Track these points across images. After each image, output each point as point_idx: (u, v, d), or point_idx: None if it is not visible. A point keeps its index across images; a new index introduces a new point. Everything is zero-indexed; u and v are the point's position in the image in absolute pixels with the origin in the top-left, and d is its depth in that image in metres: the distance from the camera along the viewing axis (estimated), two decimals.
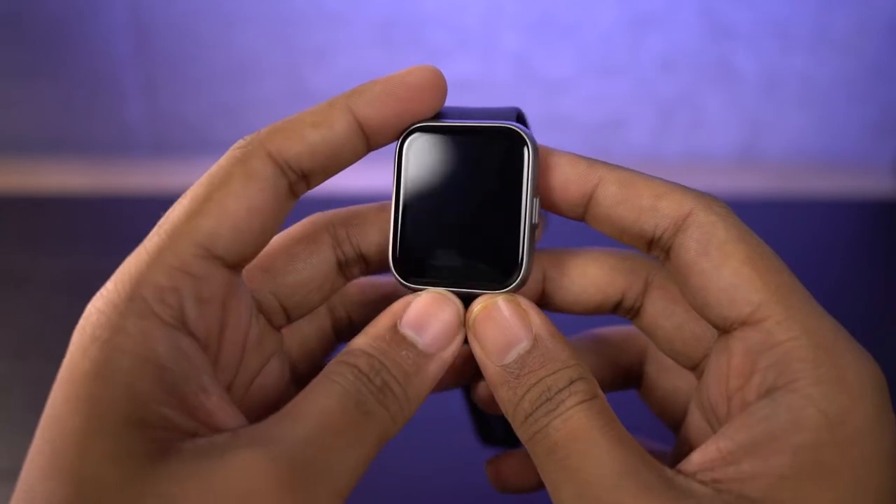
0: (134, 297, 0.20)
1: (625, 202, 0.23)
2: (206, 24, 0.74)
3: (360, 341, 0.22)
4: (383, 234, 0.26)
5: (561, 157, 0.24)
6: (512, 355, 0.22)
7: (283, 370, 0.26)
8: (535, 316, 0.23)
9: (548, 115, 0.78)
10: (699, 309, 0.23)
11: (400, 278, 0.24)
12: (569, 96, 0.77)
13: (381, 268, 0.26)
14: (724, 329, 0.22)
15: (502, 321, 0.23)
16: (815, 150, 0.79)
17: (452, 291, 0.23)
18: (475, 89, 0.76)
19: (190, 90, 0.77)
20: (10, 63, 0.76)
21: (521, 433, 0.22)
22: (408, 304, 0.23)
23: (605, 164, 0.24)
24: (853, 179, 0.76)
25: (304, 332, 0.27)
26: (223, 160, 0.22)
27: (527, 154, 0.23)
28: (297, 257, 0.25)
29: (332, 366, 0.22)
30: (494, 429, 0.33)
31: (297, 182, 0.23)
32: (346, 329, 0.29)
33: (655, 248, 0.23)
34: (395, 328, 0.23)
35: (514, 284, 0.23)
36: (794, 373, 0.20)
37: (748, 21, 0.74)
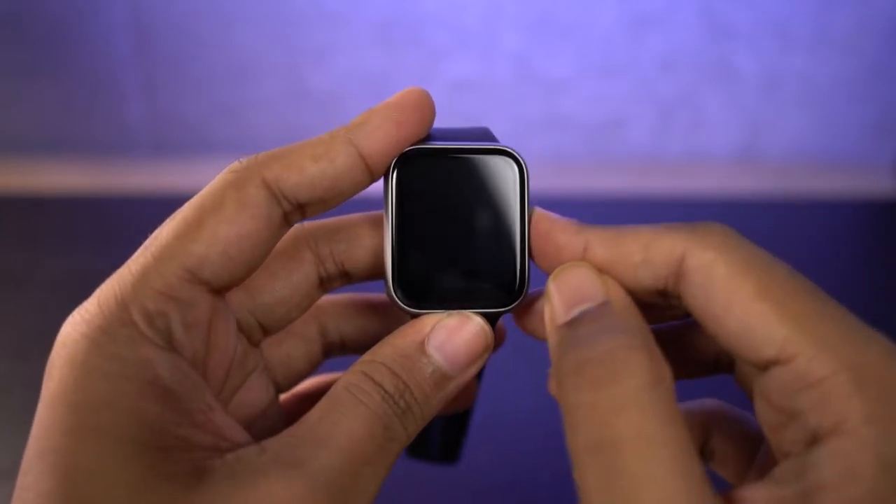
0: (125, 323, 0.20)
1: (616, 263, 0.21)
2: (206, 24, 0.75)
3: (385, 354, 0.22)
4: (369, 251, 0.25)
5: (554, 223, 0.23)
6: (575, 312, 0.20)
7: (267, 386, 0.26)
8: (614, 283, 0.21)
9: (548, 115, 0.78)
10: (728, 353, 0.21)
11: (401, 303, 0.23)
12: (569, 96, 0.77)
13: (365, 281, 0.26)
14: (760, 369, 0.20)
15: (580, 276, 0.21)
16: (815, 150, 0.79)
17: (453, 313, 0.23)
18: (475, 89, 0.76)
19: (190, 90, 0.77)
20: (10, 63, 0.76)
21: (563, 400, 0.19)
22: (435, 324, 0.23)
23: (593, 228, 0.22)
24: (853, 179, 0.76)
25: (292, 356, 0.27)
26: (217, 183, 0.22)
27: (520, 173, 0.23)
28: (277, 276, 0.25)
29: (354, 379, 0.21)
30: (431, 441, 0.32)
31: (293, 212, 0.22)
32: (338, 350, 0.28)
33: (671, 298, 0.21)
34: (421, 347, 0.22)
35: (517, 303, 0.23)
36: (839, 413, 0.17)
37: (748, 21, 0.74)
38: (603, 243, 0.21)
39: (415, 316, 0.23)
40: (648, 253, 0.20)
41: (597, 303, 0.20)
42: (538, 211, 0.23)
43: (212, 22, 0.74)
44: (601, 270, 0.21)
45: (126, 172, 0.76)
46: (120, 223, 0.66)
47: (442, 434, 0.31)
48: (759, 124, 0.78)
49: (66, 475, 0.18)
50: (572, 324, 0.20)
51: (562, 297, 0.21)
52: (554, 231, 0.22)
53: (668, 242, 0.20)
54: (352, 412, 0.20)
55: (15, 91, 0.77)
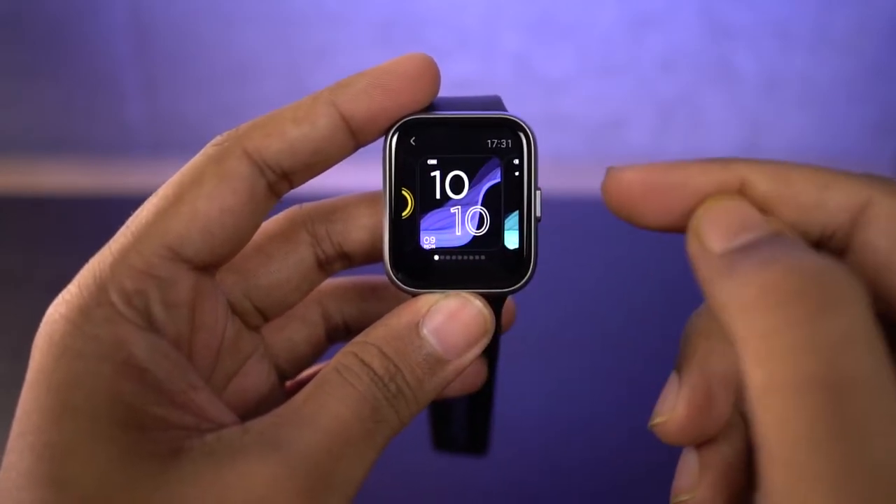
0: (102, 303, 0.20)
1: (781, 202, 0.18)
2: (206, 24, 0.74)
3: (378, 335, 0.21)
4: (367, 230, 0.24)
5: (688, 167, 0.19)
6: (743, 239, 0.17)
7: (268, 371, 0.25)
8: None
9: (548, 115, 0.78)
10: None
11: (400, 283, 0.22)
12: (569, 96, 0.77)
13: (366, 263, 0.25)
14: None
15: (738, 206, 0.18)
16: (815, 150, 0.79)
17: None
18: (475, 89, 0.75)
19: (190, 90, 0.77)
20: (10, 63, 0.76)
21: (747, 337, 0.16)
22: (431, 305, 0.22)
23: (744, 160, 0.19)
24: None
25: (294, 340, 0.26)
26: (197, 158, 0.21)
27: (527, 145, 0.22)
28: (273, 257, 0.24)
29: (343, 360, 0.21)
30: (456, 432, 0.31)
31: (278, 181, 0.21)
32: (342, 335, 0.27)
33: (825, 250, 0.19)
34: (415, 329, 0.21)
35: (522, 282, 0.22)
36: None
37: (748, 21, 0.74)
38: (766, 179, 0.18)
39: (414, 296, 0.22)
40: (826, 194, 0.18)
41: (768, 232, 0.17)
42: (619, 168, 0.20)
43: (212, 22, 0.74)
44: (765, 209, 0.19)
45: (126, 172, 0.76)
46: (120, 223, 0.66)
47: (467, 424, 0.30)
48: (759, 124, 0.78)
49: (42, 454, 0.18)
50: (740, 250, 0.17)
51: (718, 225, 0.18)
52: (693, 175, 0.19)
53: (850, 186, 0.18)
54: (338, 393, 0.20)
55: (15, 91, 0.77)
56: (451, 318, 0.22)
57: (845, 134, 0.79)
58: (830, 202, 0.18)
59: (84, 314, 0.19)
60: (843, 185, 0.18)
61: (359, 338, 0.22)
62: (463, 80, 0.75)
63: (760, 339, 0.15)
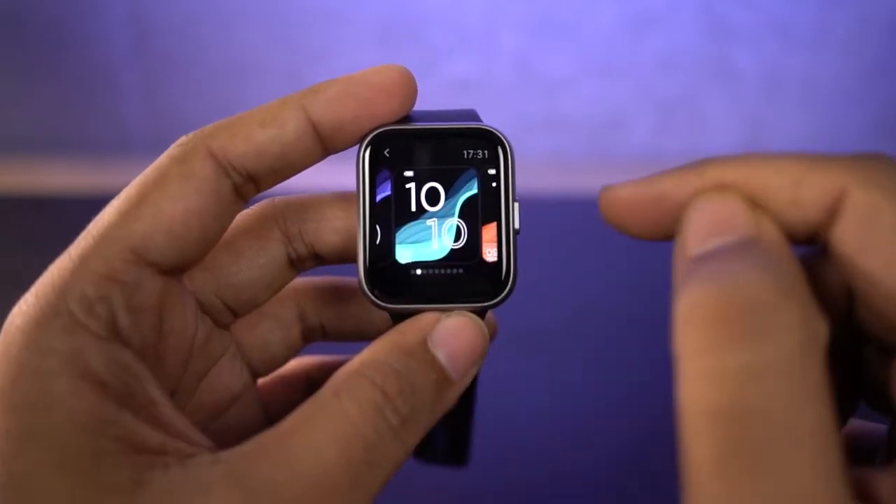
0: (59, 312, 0.18)
1: (761, 199, 0.17)
2: (206, 23, 0.74)
3: (385, 353, 0.20)
4: (339, 234, 0.23)
5: (663, 180, 0.18)
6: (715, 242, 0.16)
7: (239, 370, 0.24)
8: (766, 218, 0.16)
9: (548, 115, 0.77)
10: (874, 321, 0.17)
11: (375, 299, 0.21)
12: (569, 96, 0.77)
13: (338, 263, 0.24)
14: None
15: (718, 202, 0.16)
16: (815, 149, 0.79)
17: (436, 309, 0.21)
18: (475, 89, 0.75)
19: (190, 90, 0.77)
20: (8, 62, 0.76)
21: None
22: (437, 322, 0.21)
23: (717, 161, 0.18)
24: None
25: (268, 340, 0.25)
26: (161, 159, 0.21)
27: (504, 156, 0.22)
28: (243, 255, 0.23)
29: (350, 381, 0.19)
30: (436, 440, 0.29)
31: (244, 184, 0.21)
32: (318, 335, 0.26)
33: (818, 242, 0.17)
34: (425, 345, 0.20)
35: (502, 296, 0.22)
36: None
37: (748, 21, 0.74)
38: (740, 180, 0.17)
39: (391, 312, 0.22)
40: (798, 192, 0.16)
41: (742, 237, 0.16)
42: (610, 187, 0.19)
43: (211, 21, 0.74)
44: None
45: (125, 172, 0.75)
46: None
47: (447, 432, 0.29)
48: (759, 124, 0.78)
49: (6, 483, 0.17)
50: (706, 257, 0.16)
51: (699, 225, 0.17)
52: (661, 185, 0.18)
53: (824, 178, 0.16)
54: (330, 428, 0.18)
55: (14, 91, 0.77)
56: (457, 336, 0.21)
57: (845, 134, 0.79)
58: (805, 199, 0.17)
59: (40, 326, 0.18)
60: (817, 175, 0.17)
61: (365, 355, 0.20)
62: (463, 80, 0.75)
63: (682, 360, 0.15)
